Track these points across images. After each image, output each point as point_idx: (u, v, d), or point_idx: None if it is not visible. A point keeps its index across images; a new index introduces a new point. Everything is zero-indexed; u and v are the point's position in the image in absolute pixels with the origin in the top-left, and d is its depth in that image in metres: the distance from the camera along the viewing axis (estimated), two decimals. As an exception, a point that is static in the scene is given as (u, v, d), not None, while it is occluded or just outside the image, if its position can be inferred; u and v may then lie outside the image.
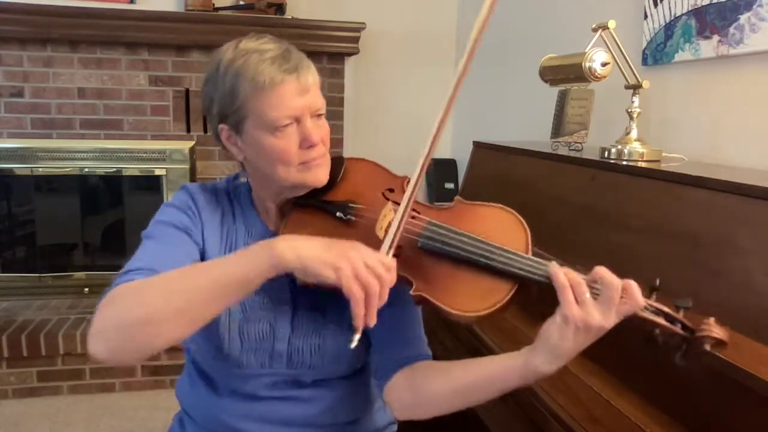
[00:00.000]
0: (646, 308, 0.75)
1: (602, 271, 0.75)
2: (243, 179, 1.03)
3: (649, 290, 0.77)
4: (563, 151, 1.59)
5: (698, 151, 1.54)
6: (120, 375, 2.51)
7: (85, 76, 2.74)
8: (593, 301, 0.74)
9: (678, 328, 0.74)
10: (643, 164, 1.34)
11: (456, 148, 3.25)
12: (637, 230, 1.19)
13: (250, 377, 0.98)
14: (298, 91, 0.89)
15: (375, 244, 0.83)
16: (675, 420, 0.96)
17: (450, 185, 3.14)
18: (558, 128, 1.65)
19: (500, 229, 0.87)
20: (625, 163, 1.38)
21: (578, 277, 0.75)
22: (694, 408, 0.93)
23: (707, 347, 0.72)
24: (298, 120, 0.90)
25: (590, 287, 0.75)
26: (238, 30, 2.89)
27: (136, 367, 2.52)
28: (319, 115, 0.93)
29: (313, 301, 0.98)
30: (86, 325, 2.52)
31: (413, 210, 0.91)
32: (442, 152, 3.27)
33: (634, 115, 1.45)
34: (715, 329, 0.72)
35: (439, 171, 3.15)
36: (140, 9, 2.71)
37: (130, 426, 2.26)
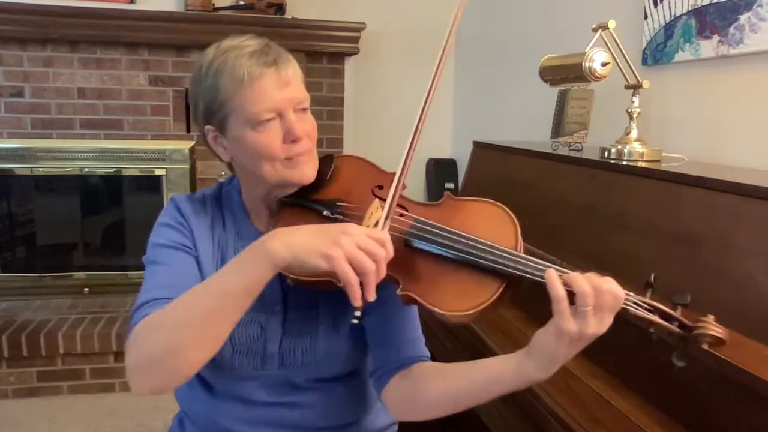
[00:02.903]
0: (639, 305, 0.73)
1: (595, 281, 0.72)
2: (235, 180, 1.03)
3: (644, 286, 0.75)
4: (563, 151, 1.59)
5: (698, 151, 1.54)
6: (120, 375, 2.51)
7: (85, 76, 2.74)
8: (590, 311, 0.71)
9: (675, 326, 0.72)
10: (643, 164, 1.34)
11: (456, 148, 3.25)
12: (637, 230, 1.19)
13: (243, 379, 0.97)
14: (278, 85, 0.88)
15: None
16: (675, 420, 0.96)
17: (450, 185, 3.14)
18: (558, 128, 1.65)
19: (489, 225, 0.86)
20: (625, 163, 1.38)
21: (586, 287, 0.71)
22: (694, 408, 0.93)
23: (705, 346, 0.70)
24: (280, 114, 0.89)
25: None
26: (238, 30, 2.88)
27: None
28: (304, 109, 0.92)
29: (304, 301, 0.97)
30: (86, 325, 2.52)
31: (400, 207, 0.90)
32: (442, 152, 3.27)
33: (634, 115, 1.45)
34: (713, 327, 0.70)
35: (439, 171, 3.15)
36: (140, 9, 2.71)
37: (130, 426, 2.26)
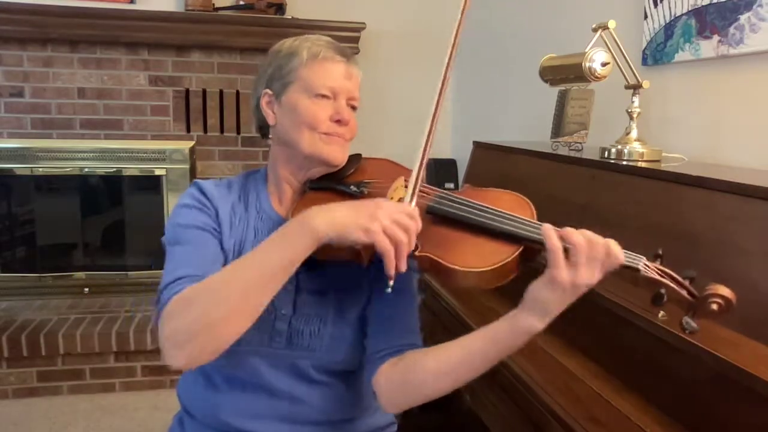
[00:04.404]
0: (649, 268, 0.78)
1: (588, 234, 0.78)
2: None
3: (652, 258, 0.79)
4: (563, 151, 1.59)
5: (698, 151, 1.54)
6: (120, 375, 2.52)
7: (85, 76, 2.74)
8: (583, 262, 0.76)
9: (684, 293, 0.77)
10: (643, 164, 1.34)
11: (456, 148, 3.25)
12: (637, 230, 1.19)
13: (249, 356, 0.97)
14: (344, 74, 1.00)
15: None
16: (675, 420, 0.96)
17: (450, 185, 3.14)
18: (558, 128, 1.65)
19: (507, 204, 0.91)
20: (625, 163, 1.38)
21: (581, 239, 0.77)
22: (694, 408, 0.93)
23: (714, 307, 0.74)
24: (335, 96, 0.99)
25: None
26: (238, 30, 2.92)
27: (136, 366, 2.52)
28: (353, 107, 1.03)
29: (315, 284, 1.00)
30: (86, 325, 2.52)
31: (422, 190, 0.96)
32: (442, 152, 3.27)
33: (634, 115, 1.45)
34: (720, 288, 0.74)
35: (439, 171, 3.15)
36: (140, 9, 2.71)
37: (130, 426, 2.26)
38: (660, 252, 0.79)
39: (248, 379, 0.99)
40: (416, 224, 0.82)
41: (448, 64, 0.93)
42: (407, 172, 1.03)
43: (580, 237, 0.77)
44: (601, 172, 1.37)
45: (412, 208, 0.85)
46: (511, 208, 0.90)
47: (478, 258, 0.84)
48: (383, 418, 1.12)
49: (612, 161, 1.41)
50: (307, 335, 0.98)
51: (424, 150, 0.91)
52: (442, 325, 1.58)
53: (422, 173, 0.91)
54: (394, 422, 1.15)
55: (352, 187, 1.01)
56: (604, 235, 0.78)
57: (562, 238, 0.78)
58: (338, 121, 0.99)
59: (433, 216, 0.92)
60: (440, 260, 0.85)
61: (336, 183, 1.02)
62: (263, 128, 1.07)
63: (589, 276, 0.77)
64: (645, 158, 1.41)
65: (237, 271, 0.83)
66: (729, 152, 1.47)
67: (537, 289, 0.80)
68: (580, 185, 1.42)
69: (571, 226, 0.84)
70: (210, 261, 0.93)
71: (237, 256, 1.00)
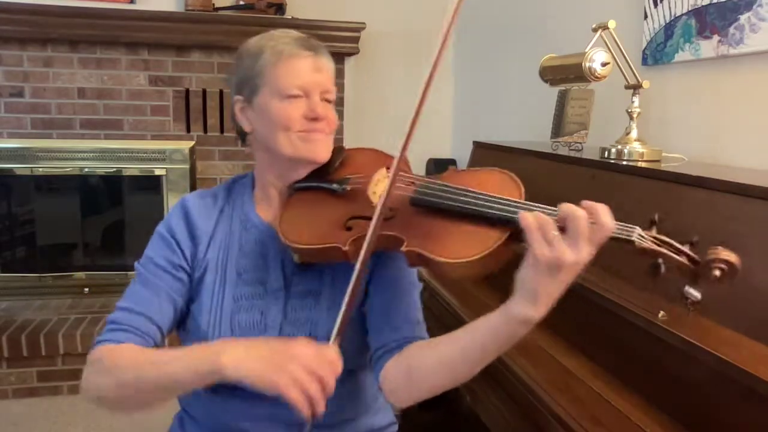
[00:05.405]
0: (644, 238, 0.73)
1: (565, 206, 0.74)
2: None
3: (648, 224, 0.74)
4: (563, 151, 1.59)
5: (698, 151, 1.54)
6: (120, 375, 2.51)
7: (85, 76, 2.74)
8: (561, 238, 0.72)
9: (684, 260, 0.71)
10: (643, 164, 1.34)
11: (456, 148, 3.25)
12: (637, 230, 1.18)
13: None
14: (312, 68, 0.97)
15: (369, 210, 0.88)
16: (675, 420, 0.96)
17: (450, 185, 3.14)
18: (558, 128, 1.65)
19: (493, 186, 0.87)
20: (625, 163, 1.38)
21: (545, 217, 0.73)
22: (694, 408, 0.93)
23: (717, 273, 0.68)
24: (307, 95, 0.97)
25: (559, 226, 0.73)
26: (238, 30, 2.92)
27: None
28: (329, 101, 1.00)
29: (309, 285, 1.00)
30: (86, 325, 2.52)
31: (407, 178, 0.94)
32: (443, 152, 3.27)
33: (634, 115, 1.45)
34: (724, 253, 0.68)
35: (439, 171, 3.15)
36: (140, 9, 2.71)
37: (129, 426, 2.26)
38: (656, 218, 0.74)
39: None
40: (334, 370, 0.79)
41: (436, 62, 0.89)
42: (391, 159, 0.99)
43: (568, 211, 0.74)
44: (601, 172, 1.37)
45: (333, 351, 0.80)
46: (499, 188, 0.86)
47: (465, 247, 0.80)
48: (384, 418, 1.12)
49: (612, 161, 1.41)
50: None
51: (404, 145, 0.87)
52: (443, 325, 1.58)
53: (403, 163, 0.89)
54: (394, 422, 1.15)
55: (334, 185, 0.99)
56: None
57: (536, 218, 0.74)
58: (314, 119, 0.97)
59: (417, 207, 0.89)
60: (427, 254, 0.81)
61: (319, 180, 1.01)
62: (242, 134, 1.05)
63: (573, 253, 0.71)
64: (645, 158, 1.41)
65: (147, 370, 0.87)
66: (729, 152, 1.48)
67: (523, 274, 0.75)
68: (580, 185, 1.42)
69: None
70: (155, 315, 0.97)
71: (222, 269, 1.01)
